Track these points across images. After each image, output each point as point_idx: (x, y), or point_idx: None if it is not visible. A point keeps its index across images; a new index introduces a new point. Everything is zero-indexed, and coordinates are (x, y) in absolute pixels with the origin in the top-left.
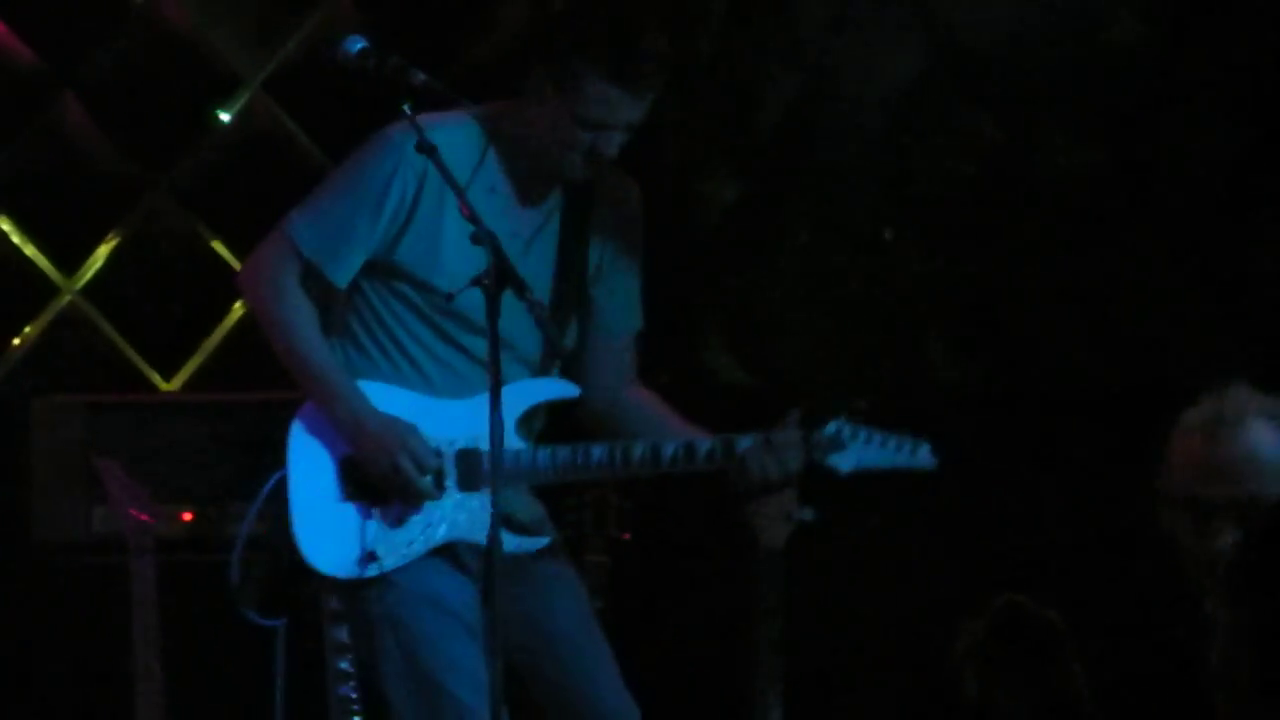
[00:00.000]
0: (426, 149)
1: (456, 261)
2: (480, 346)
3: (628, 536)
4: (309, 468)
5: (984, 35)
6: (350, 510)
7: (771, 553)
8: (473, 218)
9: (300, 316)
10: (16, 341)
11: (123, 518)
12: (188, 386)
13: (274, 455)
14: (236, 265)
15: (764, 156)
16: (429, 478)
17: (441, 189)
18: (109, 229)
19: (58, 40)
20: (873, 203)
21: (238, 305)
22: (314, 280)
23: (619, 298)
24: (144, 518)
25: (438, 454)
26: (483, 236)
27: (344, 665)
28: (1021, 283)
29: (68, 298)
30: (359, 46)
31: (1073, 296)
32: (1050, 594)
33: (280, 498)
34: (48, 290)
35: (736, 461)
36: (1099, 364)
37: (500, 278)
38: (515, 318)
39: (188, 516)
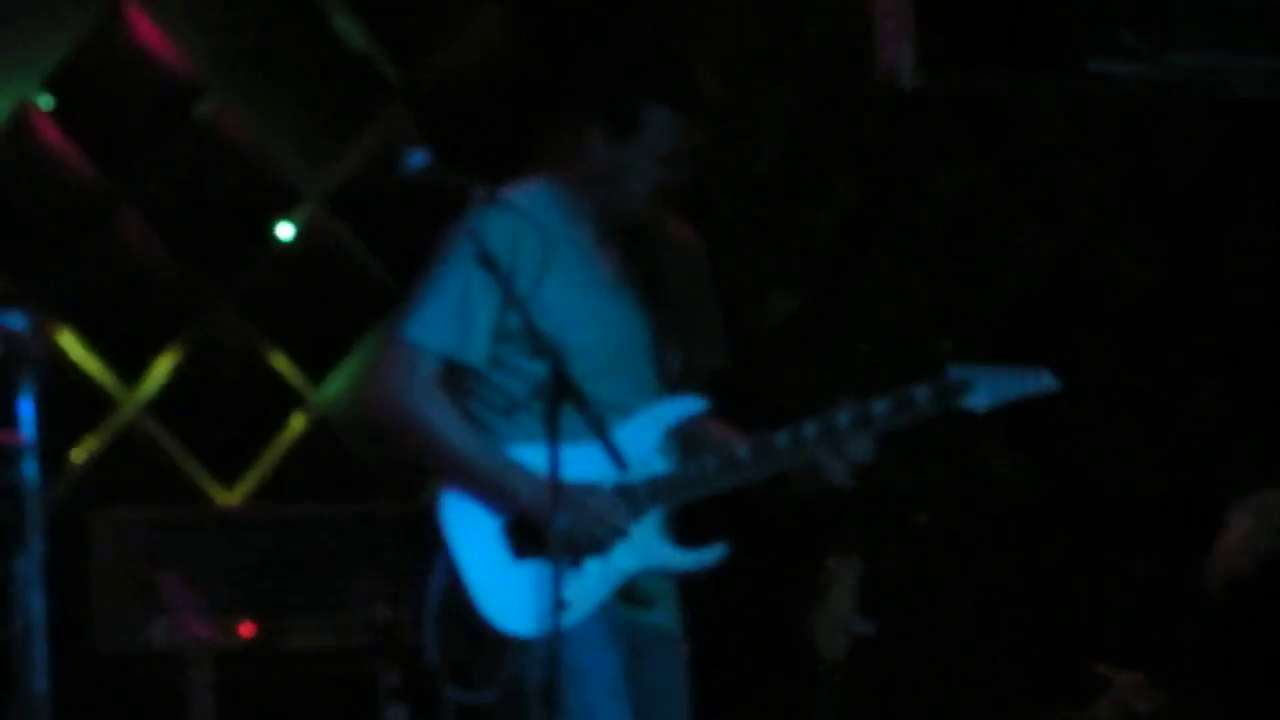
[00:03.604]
0: (488, 263)
1: (563, 309)
2: (601, 386)
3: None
4: (473, 541)
5: (1035, 148)
6: (527, 568)
7: (830, 665)
8: (532, 332)
9: (451, 418)
10: (77, 454)
11: (182, 631)
12: (248, 499)
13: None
14: (296, 378)
15: (822, 266)
16: (619, 519)
17: (538, 245)
18: (169, 342)
19: (118, 153)
20: (930, 312)
21: (297, 418)
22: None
23: (701, 337)
24: (204, 631)
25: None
26: (545, 349)
27: None
28: (1078, 390)
29: (128, 410)
30: (421, 161)
31: (1128, 404)
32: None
33: (451, 578)
34: (108, 403)
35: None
36: (1155, 469)
37: (560, 391)
38: (630, 353)
39: (247, 629)
